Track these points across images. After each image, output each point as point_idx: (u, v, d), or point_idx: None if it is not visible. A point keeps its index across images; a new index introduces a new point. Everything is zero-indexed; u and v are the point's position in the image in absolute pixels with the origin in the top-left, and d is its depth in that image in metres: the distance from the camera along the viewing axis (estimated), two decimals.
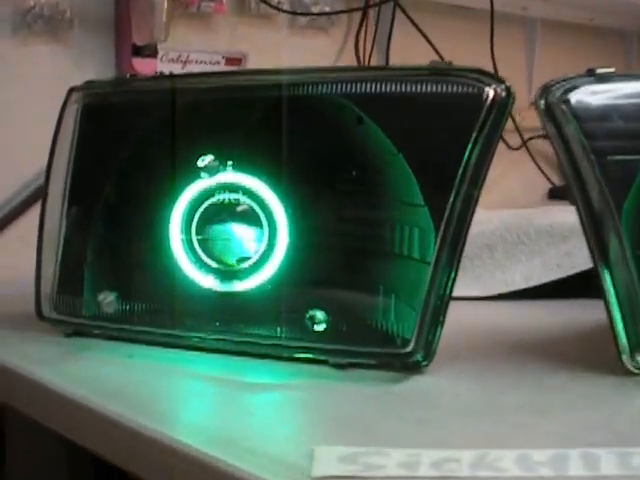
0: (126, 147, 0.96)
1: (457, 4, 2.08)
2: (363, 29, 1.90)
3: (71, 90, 0.99)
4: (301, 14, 1.77)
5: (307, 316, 0.83)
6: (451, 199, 0.80)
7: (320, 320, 0.82)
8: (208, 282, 0.92)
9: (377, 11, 1.91)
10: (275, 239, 0.89)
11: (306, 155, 0.90)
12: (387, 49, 1.93)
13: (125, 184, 0.97)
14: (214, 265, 0.92)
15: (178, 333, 0.91)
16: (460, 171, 0.80)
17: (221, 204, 0.92)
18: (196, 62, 1.58)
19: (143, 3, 1.40)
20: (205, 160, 0.88)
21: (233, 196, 0.92)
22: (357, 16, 1.90)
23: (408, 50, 1.90)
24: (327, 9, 1.81)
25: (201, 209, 0.92)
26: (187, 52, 1.58)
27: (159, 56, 1.52)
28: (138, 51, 1.46)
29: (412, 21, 1.95)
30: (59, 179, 0.98)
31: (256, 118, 0.92)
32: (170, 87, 0.94)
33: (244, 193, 0.91)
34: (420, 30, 1.96)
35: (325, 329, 0.83)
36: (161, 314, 0.92)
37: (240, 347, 0.89)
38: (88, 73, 1.42)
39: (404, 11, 1.91)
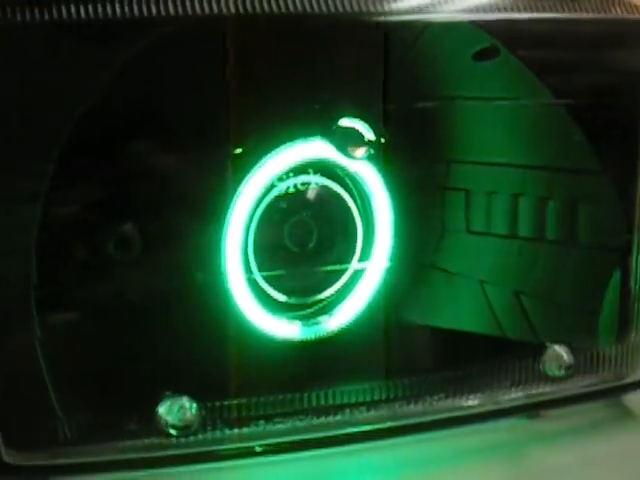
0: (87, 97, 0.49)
1: None
2: None
3: None
4: None
5: (548, 354, 0.54)
6: None
7: (568, 362, 0.55)
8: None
9: None
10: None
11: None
12: None
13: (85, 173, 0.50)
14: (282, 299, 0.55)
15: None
16: None
17: (286, 196, 0.55)
18: None
19: None
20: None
21: (302, 180, 0.55)
22: None
23: None
24: None
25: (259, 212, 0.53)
26: None
27: None
28: None
29: None
30: None
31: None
32: None
33: (316, 171, 0.55)
34: None
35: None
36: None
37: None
38: None
39: None
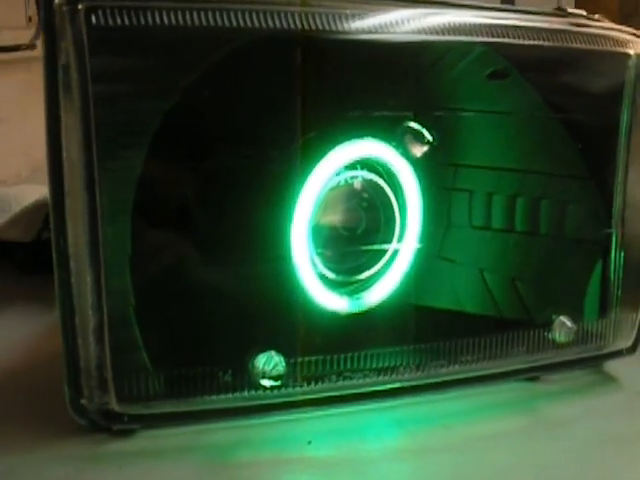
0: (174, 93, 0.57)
1: None
2: None
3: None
4: None
5: (556, 322, 0.65)
6: None
7: (573, 328, 0.66)
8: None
9: None
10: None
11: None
12: None
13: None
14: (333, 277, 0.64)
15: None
16: None
17: (339, 188, 0.64)
18: None
19: None
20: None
21: (351, 174, 0.64)
22: None
23: None
24: None
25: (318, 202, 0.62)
26: None
27: None
28: None
29: None
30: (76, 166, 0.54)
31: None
32: None
33: (363, 167, 0.64)
34: None
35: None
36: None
37: None
38: None
39: None
